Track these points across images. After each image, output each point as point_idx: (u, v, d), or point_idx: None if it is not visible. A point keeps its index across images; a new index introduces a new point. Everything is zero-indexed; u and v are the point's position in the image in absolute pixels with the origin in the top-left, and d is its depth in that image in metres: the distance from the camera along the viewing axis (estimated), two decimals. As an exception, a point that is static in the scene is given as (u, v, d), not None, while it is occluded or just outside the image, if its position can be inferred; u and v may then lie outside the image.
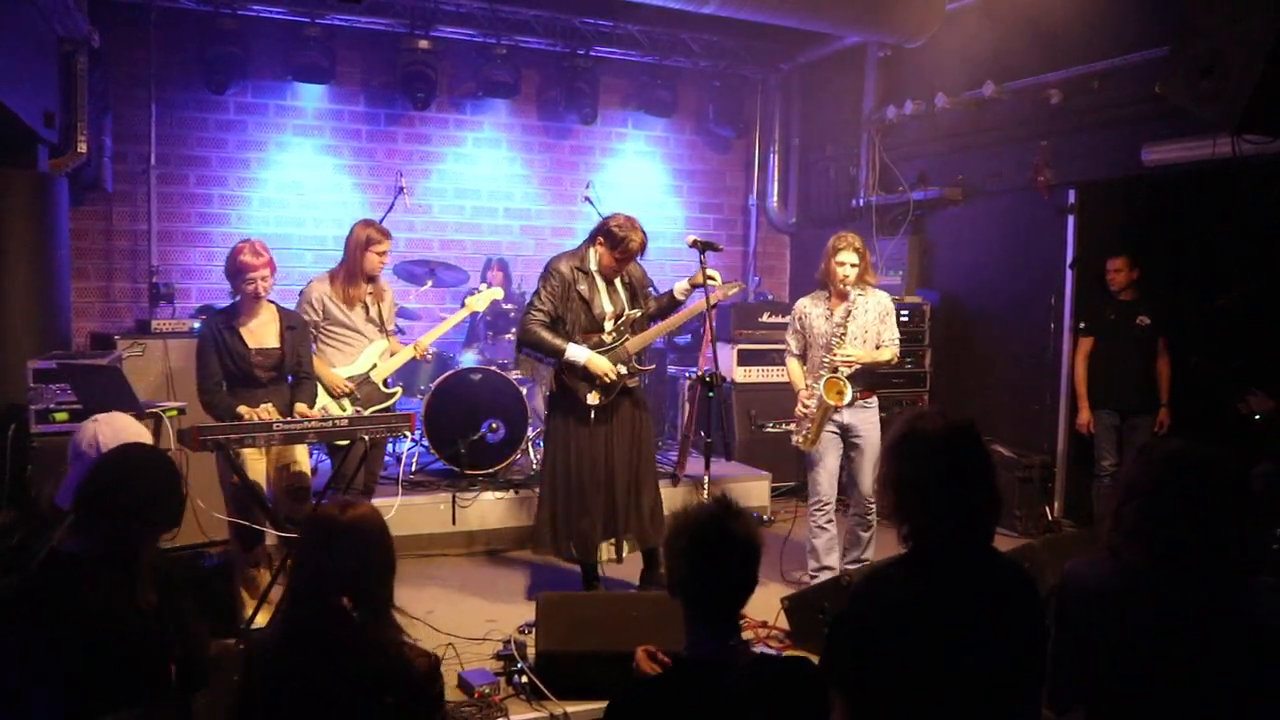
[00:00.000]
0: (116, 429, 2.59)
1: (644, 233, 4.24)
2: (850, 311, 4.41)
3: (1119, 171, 5.51)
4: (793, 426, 4.68)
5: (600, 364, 4.20)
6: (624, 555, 4.39)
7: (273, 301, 4.11)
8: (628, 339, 4.30)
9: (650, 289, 4.56)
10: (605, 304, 4.28)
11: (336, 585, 1.98)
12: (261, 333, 4.04)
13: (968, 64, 6.31)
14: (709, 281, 4.31)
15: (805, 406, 4.49)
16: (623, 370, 4.25)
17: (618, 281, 4.34)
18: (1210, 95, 3.85)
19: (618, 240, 4.17)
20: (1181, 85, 3.98)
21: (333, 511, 2.06)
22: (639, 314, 4.37)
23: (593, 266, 4.27)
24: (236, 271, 3.93)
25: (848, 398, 4.33)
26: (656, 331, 4.44)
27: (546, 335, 4.21)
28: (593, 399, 4.22)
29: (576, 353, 4.18)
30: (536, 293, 4.30)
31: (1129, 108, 5.36)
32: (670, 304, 4.46)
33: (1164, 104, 4.66)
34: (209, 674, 2.38)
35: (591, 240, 4.30)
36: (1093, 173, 5.72)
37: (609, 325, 4.29)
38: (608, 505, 4.27)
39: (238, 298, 4.02)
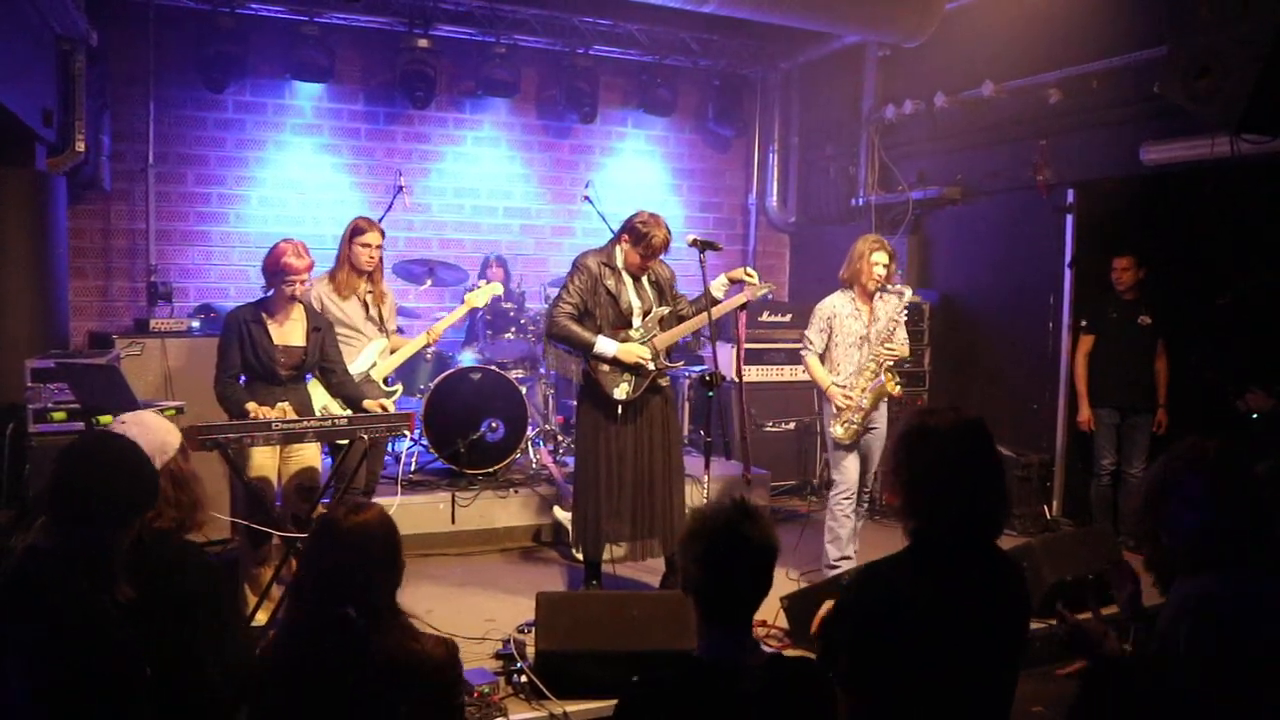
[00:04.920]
0: (146, 427, 2.50)
1: (668, 229, 4.25)
2: (903, 307, 4.57)
3: (1118, 171, 5.52)
4: (794, 427, 4.68)
5: (631, 350, 4.19)
6: (650, 556, 4.38)
7: (301, 302, 4.13)
8: (656, 335, 4.30)
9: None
10: (633, 299, 4.28)
11: (341, 591, 1.95)
12: (289, 331, 4.07)
13: (967, 63, 6.31)
14: (746, 279, 4.32)
15: (849, 398, 4.52)
16: (651, 366, 4.23)
17: (645, 279, 4.34)
18: (1208, 95, 3.86)
19: (641, 236, 4.18)
20: (1180, 84, 3.99)
21: (339, 515, 2.03)
22: (667, 311, 4.36)
23: (619, 263, 4.27)
24: (278, 271, 3.94)
25: (899, 388, 4.56)
26: (685, 328, 4.39)
27: (576, 328, 4.20)
28: (619, 393, 4.21)
29: (606, 345, 4.18)
30: (564, 287, 4.29)
31: (1128, 107, 5.36)
32: (710, 303, 4.35)
33: (1163, 103, 4.67)
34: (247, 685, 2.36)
35: (617, 238, 4.31)
36: (1091, 172, 5.73)
37: (637, 321, 4.29)
38: (639, 504, 4.26)
39: (269, 293, 4.03)
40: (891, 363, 4.55)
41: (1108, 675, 2.03)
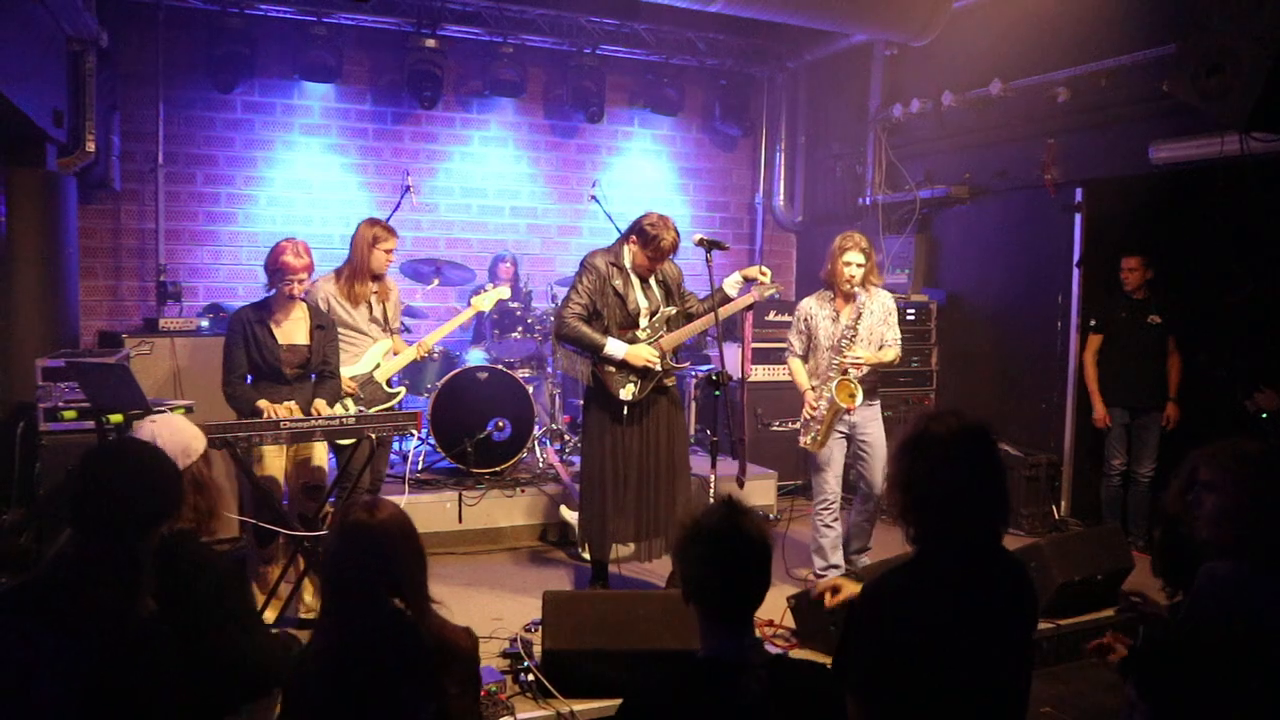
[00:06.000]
0: (173, 429, 2.52)
1: (676, 231, 4.23)
2: (860, 313, 4.40)
3: (1127, 169, 5.49)
4: (798, 427, 4.67)
5: (640, 353, 4.18)
6: (654, 556, 4.37)
7: (304, 300, 4.14)
8: (663, 335, 4.29)
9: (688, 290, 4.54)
10: (640, 300, 4.27)
11: (384, 588, 1.99)
12: (292, 330, 4.08)
13: (974, 62, 6.30)
14: (760, 276, 4.31)
15: (814, 408, 4.47)
16: (656, 366, 4.23)
17: (652, 280, 4.34)
18: (1217, 93, 3.84)
19: (650, 238, 4.17)
20: (1189, 83, 3.98)
21: (361, 516, 2.05)
22: (674, 311, 4.36)
23: (627, 263, 4.27)
24: (277, 271, 3.97)
25: (859, 400, 4.33)
26: (691, 329, 4.38)
27: (585, 329, 4.20)
28: (625, 394, 4.21)
29: (615, 347, 4.18)
30: (573, 287, 4.29)
31: (1137, 105, 5.34)
32: (721, 300, 4.34)
33: (1172, 102, 4.64)
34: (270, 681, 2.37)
35: (625, 238, 4.31)
36: (1100, 170, 5.70)
37: (644, 322, 4.28)
38: (640, 505, 4.26)
39: (271, 293, 4.06)
40: (858, 371, 4.35)
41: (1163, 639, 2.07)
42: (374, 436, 4.00)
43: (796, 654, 3.59)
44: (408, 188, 6.12)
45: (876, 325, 4.50)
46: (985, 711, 1.95)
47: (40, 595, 2.00)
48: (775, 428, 6.47)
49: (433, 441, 5.68)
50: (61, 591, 1.99)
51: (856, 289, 4.42)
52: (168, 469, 2.20)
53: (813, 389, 4.51)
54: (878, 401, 4.61)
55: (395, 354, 4.70)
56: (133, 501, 2.06)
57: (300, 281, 4.00)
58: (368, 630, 1.97)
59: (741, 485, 4.44)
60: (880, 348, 4.50)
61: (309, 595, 4.11)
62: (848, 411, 4.40)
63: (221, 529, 4.56)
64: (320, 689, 1.97)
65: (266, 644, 2.47)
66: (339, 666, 1.97)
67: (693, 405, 6.53)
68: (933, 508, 1.95)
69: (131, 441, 2.34)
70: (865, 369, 4.41)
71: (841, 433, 4.51)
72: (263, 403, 3.90)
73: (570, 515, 5.20)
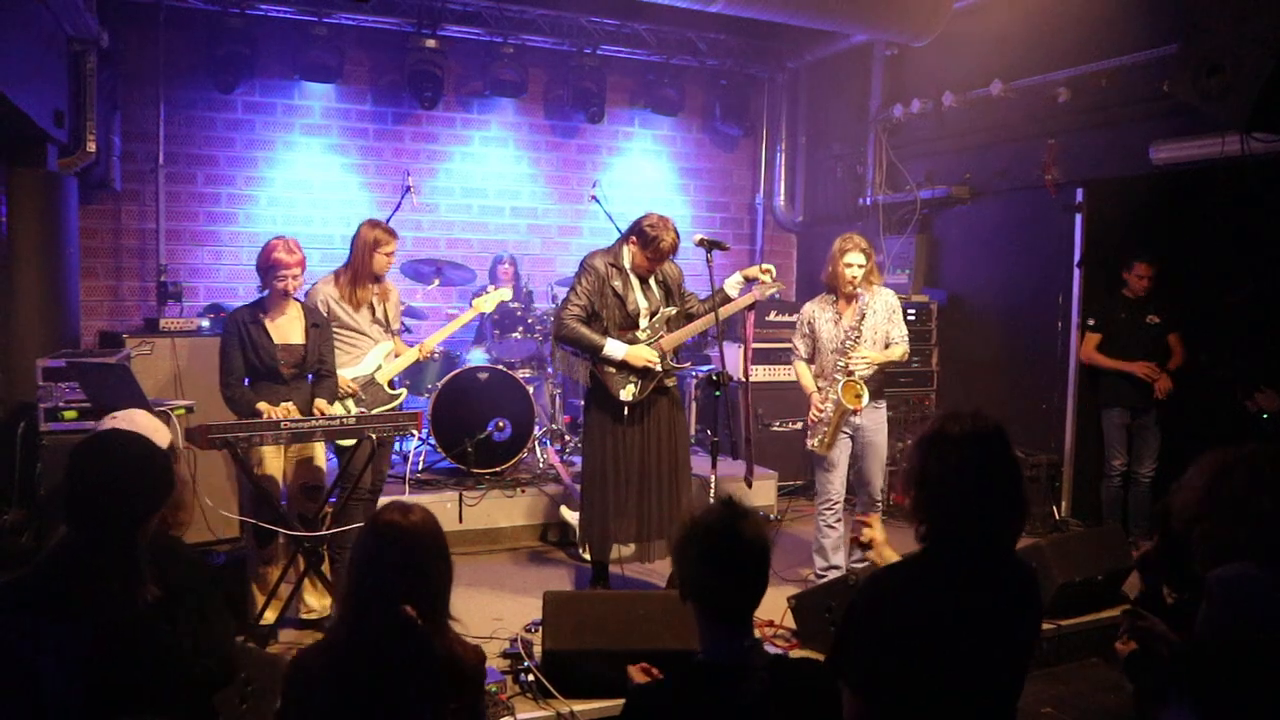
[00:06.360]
0: (136, 426, 2.55)
1: (676, 233, 4.23)
2: (864, 314, 4.40)
3: (1127, 169, 5.49)
4: (801, 427, 4.67)
5: (640, 353, 4.18)
6: (656, 558, 4.35)
7: (297, 299, 4.14)
8: (663, 335, 4.29)
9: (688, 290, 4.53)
10: (640, 300, 4.27)
11: (403, 594, 1.96)
12: (287, 329, 4.07)
13: (975, 62, 6.30)
14: (762, 276, 4.30)
15: (820, 410, 4.46)
16: (657, 367, 4.23)
17: (652, 280, 4.34)
18: (1218, 93, 3.84)
19: (649, 239, 4.17)
20: (1189, 83, 3.97)
21: (395, 519, 2.03)
22: (674, 311, 4.35)
23: (626, 264, 4.26)
24: (269, 267, 3.97)
25: (865, 401, 4.33)
26: (692, 329, 4.37)
27: (584, 330, 4.19)
28: (625, 395, 4.20)
29: (614, 348, 4.18)
30: (572, 288, 4.28)
31: (1137, 105, 5.34)
32: (722, 301, 4.34)
33: (1173, 102, 4.65)
34: (229, 672, 2.38)
35: (625, 239, 4.30)
36: (1101, 171, 5.70)
37: (644, 322, 4.28)
38: (641, 506, 4.26)
39: (265, 292, 4.05)
40: (866, 371, 4.35)
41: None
42: (374, 437, 4.00)
43: (797, 654, 3.61)
44: (408, 188, 6.13)
45: (881, 324, 4.50)
46: (981, 713, 1.94)
47: (39, 589, 2.01)
48: (776, 428, 6.46)
49: (433, 442, 5.68)
50: (60, 585, 2.00)
51: (858, 289, 4.42)
52: (157, 459, 2.21)
53: (818, 391, 4.51)
54: (884, 402, 4.62)
55: (396, 355, 4.69)
56: (124, 493, 2.07)
57: (294, 277, 3.98)
58: (379, 632, 1.96)
59: (750, 485, 4.44)
60: (886, 346, 4.51)
61: (309, 596, 4.11)
62: (854, 412, 4.40)
63: (218, 526, 4.60)
64: (326, 691, 1.97)
65: (225, 644, 2.46)
66: (346, 665, 1.97)
67: (693, 405, 6.53)
68: (942, 507, 1.95)
69: (119, 434, 2.34)
70: (872, 369, 4.41)
71: (846, 433, 4.51)
72: (262, 405, 3.89)
73: (570, 515, 5.20)
